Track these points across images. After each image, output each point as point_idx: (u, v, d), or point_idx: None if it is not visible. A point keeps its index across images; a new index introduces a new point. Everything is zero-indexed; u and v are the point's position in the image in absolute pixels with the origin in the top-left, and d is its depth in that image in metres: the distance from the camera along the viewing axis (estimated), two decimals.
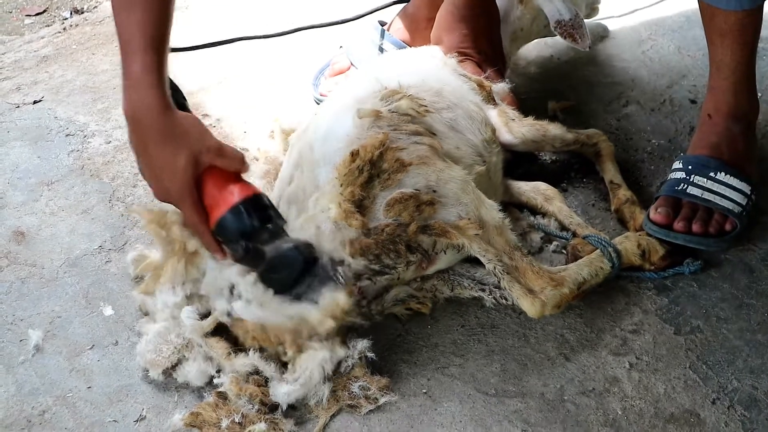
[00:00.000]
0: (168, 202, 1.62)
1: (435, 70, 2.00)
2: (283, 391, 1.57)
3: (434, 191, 1.63)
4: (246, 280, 1.60)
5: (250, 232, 1.56)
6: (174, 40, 2.60)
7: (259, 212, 1.57)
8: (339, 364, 1.61)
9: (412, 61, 2.09)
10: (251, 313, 1.59)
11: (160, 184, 1.59)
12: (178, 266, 1.69)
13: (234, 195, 1.57)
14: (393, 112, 1.72)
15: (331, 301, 1.56)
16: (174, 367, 1.64)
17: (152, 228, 1.71)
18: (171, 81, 1.61)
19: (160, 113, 1.54)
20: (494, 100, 2.03)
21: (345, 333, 1.65)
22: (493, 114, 1.99)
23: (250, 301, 1.59)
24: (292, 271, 1.58)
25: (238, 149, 1.64)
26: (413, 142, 1.68)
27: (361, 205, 1.61)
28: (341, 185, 1.61)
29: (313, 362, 1.57)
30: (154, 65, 1.54)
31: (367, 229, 1.60)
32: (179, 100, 1.64)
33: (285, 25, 2.73)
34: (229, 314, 1.62)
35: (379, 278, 1.65)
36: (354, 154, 1.62)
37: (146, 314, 1.74)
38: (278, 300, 1.58)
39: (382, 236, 1.60)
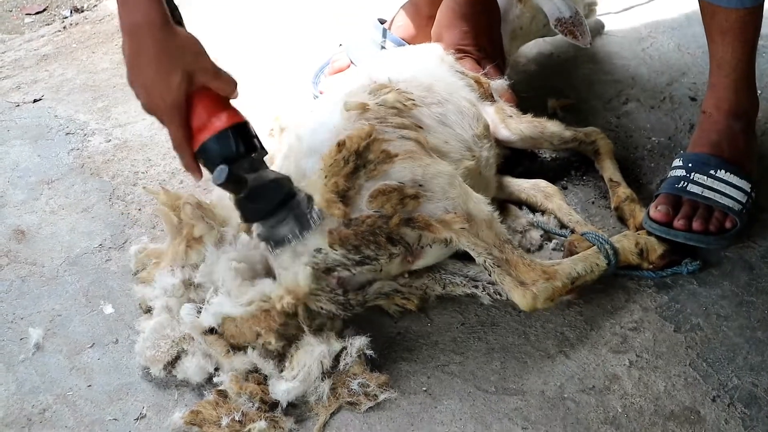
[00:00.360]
0: (155, 116, 1.61)
1: (428, 66, 2.00)
2: (282, 389, 1.57)
3: (420, 185, 1.63)
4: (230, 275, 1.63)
5: (234, 158, 1.56)
6: None
7: (245, 140, 1.58)
8: (338, 361, 1.61)
9: (408, 58, 2.09)
10: (216, 311, 1.61)
11: (150, 99, 1.59)
12: (179, 249, 1.70)
13: (222, 119, 1.58)
14: (380, 105, 1.73)
15: (291, 277, 1.58)
16: (174, 362, 1.65)
17: (163, 210, 1.74)
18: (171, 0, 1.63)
19: (159, 28, 1.54)
20: (492, 97, 2.03)
21: (341, 328, 1.66)
22: (491, 111, 1.99)
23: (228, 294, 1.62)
24: (270, 202, 1.59)
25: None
26: (400, 136, 1.68)
27: (345, 196, 1.61)
28: (326, 176, 1.61)
29: (311, 358, 1.57)
30: None
31: (348, 220, 1.60)
32: (177, 18, 1.64)
33: (284, 19, 2.74)
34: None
35: (359, 269, 1.65)
36: (340, 145, 1.62)
37: (147, 311, 1.75)
38: (240, 285, 1.61)
39: (361, 227, 1.60)
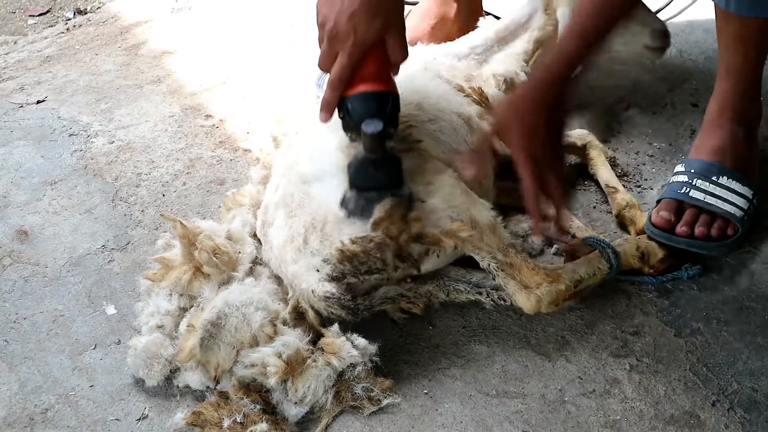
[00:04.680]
0: (331, 43, 1.59)
1: (415, 78, 1.96)
2: (293, 413, 1.57)
3: (422, 201, 1.63)
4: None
5: (383, 122, 1.57)
6: (178, 41, 2.61)
7: (395, 112, 1.60)
8: (342, 372, 1.61)
9: None
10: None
11: (340, 26, 1.57)
12: (184, 277, 1.70)
13: (391, 82, 1.61)
14: None
15: (305, 287, 1.61)
16: (174, 372, 1.65)
17: (182, 241, 1.73)
18: None
19: None
20: (488, 101, 2.01)
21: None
22: (485, 126, 1.97)
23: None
24: (390, 177, 1.60)
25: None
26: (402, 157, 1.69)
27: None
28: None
29: (317, 381, 1.57)
30: None
31: (357, 237, 1.59)
32: None
33: (286, 24, 2.75)
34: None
35: (366, 277, 1.64)
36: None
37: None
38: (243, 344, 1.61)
39: (369, 245, 1.59)
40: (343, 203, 1.62)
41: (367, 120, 1.55)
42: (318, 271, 1.62)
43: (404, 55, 1.63)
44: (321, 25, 1.60)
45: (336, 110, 1.62)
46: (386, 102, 1.59)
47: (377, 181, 1.59)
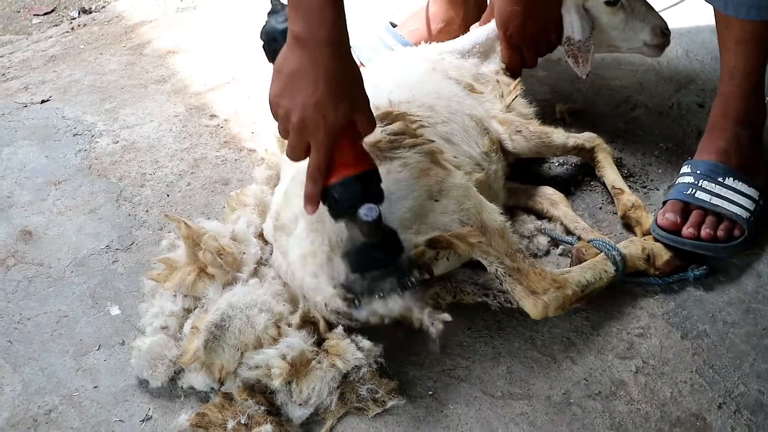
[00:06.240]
0: (301, 137, 1.52)
1: (426, 80, 1.97)
2: (297, 415, 1.57)
3: (436, 200, 1.63)
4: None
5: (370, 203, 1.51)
6: (183, 40, 2.61)
7: (380, 187, 1.54)
8: (347, 374, 1.61)
9: (404, 68, 2.06)
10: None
11: (306, 118, 1.50)
12: (188, 278, 1.69)
13: (368, 161, 1.54)
14: (389, 134, 1.71)
15: (319, 297, 1.60)
16: (178, 373, 1.65)
17: (186, 242, 1.72)
18: None
19: (343, 51, 1.50)
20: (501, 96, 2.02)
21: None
22: (497, 126, 1.98)
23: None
24: (394, 254, 1.53)
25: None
26: (414, 152, 1.68)
27: None
28: None
29: (322, 383, 1.57)
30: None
31: None
32: None
33: None
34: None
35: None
36: None
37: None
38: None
39: None
40: (348, 288, 1.57)
41: (363, 208, 1.48)
42: (335, 288, 1.59)
43: (373, 126, 1.56)
44: (284, 117, 1.53)
45: (321, 201, 1.56)
46: (371, 181, 1.54)
47: (380, 261, 1.54)
